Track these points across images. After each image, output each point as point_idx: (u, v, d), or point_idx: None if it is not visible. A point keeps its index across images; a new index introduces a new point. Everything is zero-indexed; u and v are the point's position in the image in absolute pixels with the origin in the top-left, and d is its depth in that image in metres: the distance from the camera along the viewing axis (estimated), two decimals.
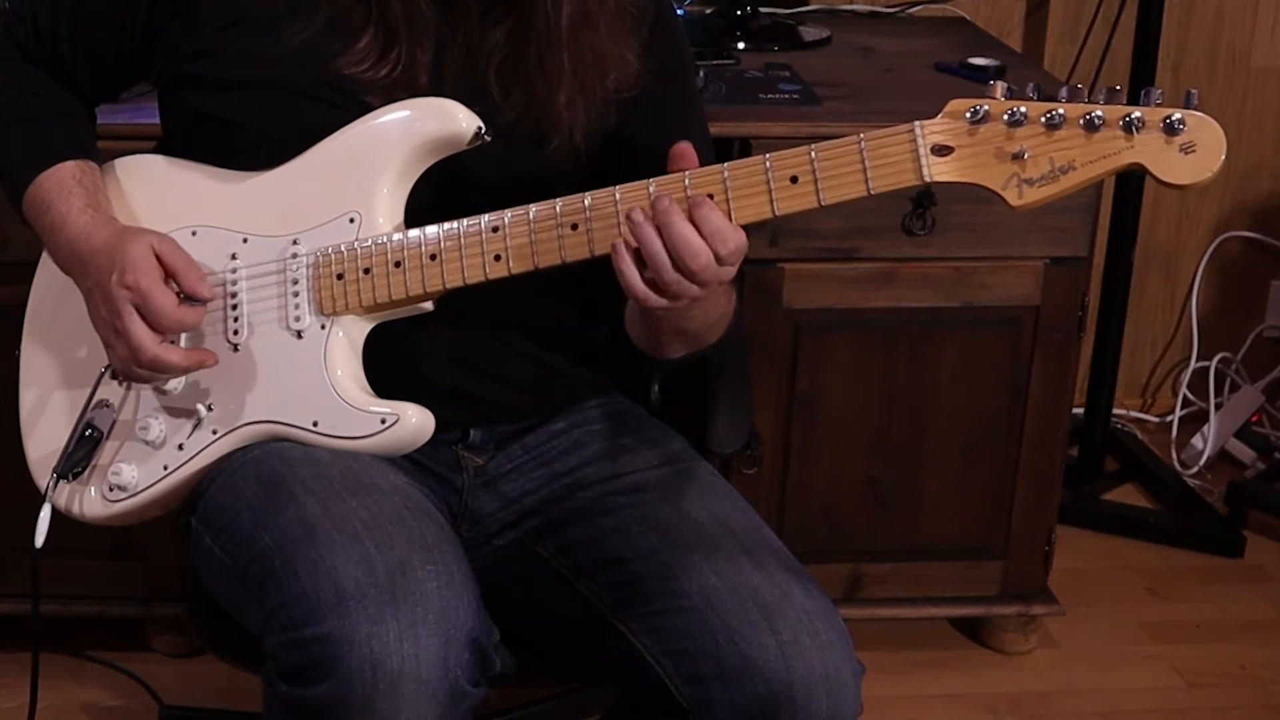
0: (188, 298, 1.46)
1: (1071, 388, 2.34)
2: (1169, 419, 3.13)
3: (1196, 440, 3.06)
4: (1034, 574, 2.41)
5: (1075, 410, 2.65)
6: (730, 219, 1.35)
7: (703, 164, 1.41)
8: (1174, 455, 3.06)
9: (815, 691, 1.39)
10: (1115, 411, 3.00)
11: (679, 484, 1.58)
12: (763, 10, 2.63)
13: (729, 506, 1.55)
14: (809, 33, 2.60)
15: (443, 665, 1.30)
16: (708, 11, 2.61)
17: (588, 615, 1.51)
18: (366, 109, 1.49)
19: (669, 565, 1.47)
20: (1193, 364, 3.13)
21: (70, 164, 1.56)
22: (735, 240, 1.34)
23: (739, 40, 2.51)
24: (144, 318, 1.45)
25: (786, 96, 2.23)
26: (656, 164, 1.41)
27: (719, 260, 1.34)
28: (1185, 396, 3.14)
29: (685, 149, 1.38)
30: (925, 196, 2.16)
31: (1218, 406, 3.11)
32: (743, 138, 2.14)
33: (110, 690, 2.31)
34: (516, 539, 1.61)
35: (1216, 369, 3.13)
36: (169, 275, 1.46)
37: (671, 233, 1.33)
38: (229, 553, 1.45)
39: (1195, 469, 3.04)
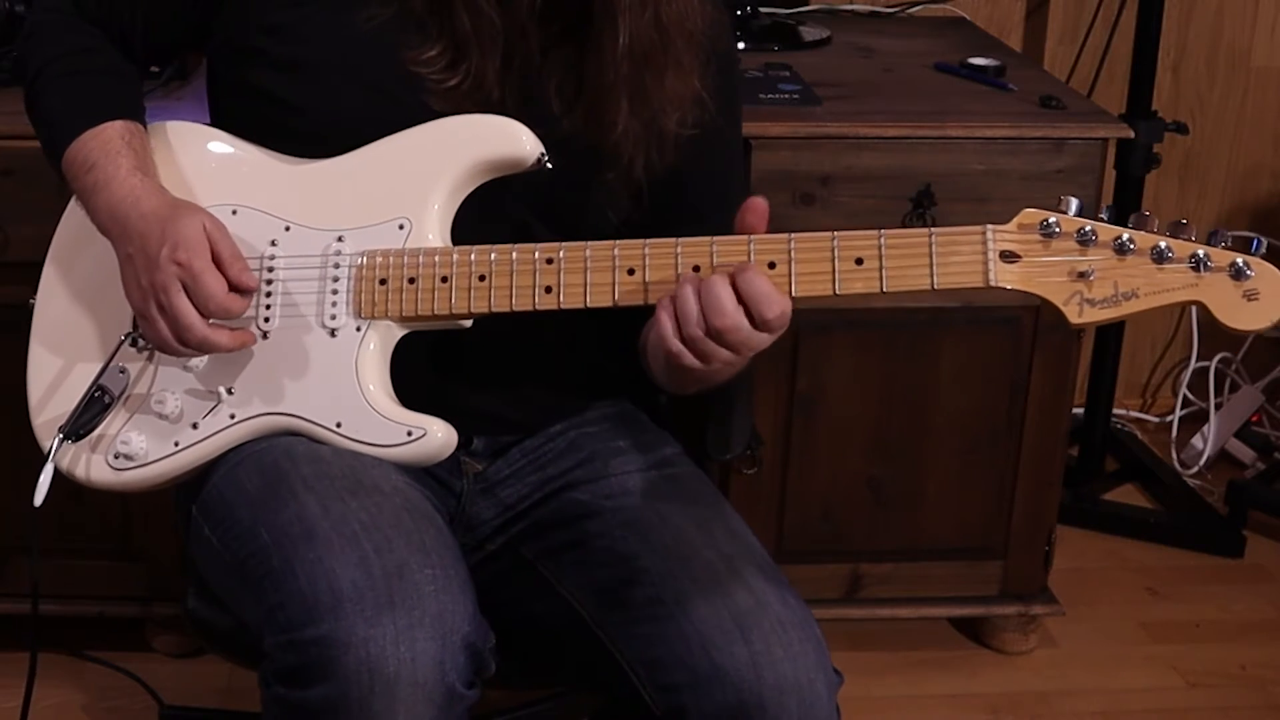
0: (232, 286, 1.44)
1: (1071, 388, 2.34)
2: (1169, 419, 3.13)
3: (1196, 440, 3.06)
4: (1034, 574, 2.41)
5: (1075, 410, 2.65)
6: (790, 290, 1.35)
7: (733, 199, 1.40)
8: (1174, 455, 3.06)
9: (786, 702, 1.37)
10: (1115, 411, 3.00)
11: (665, 488, 1.57)
12: (763, 10, 2.63)
13: (713, 514, 1.54)
14: (809, 33, 2.60)
15: (439, 668, 1.30)
16: None
17: (569, 620, 1.50)
18: (429, 110, 1.47)
19: (648, 571, 1.46)
20: (1193, 364, 3.13)
21: (118, 124, 1.53)
22: (780, 305, 1.33)
23: (739, 40, 2.51)
24: (190, 298, 1.42)
25: (786, 96, 2.23)
26: (699, 200, 1.41)
27: (757, 324, 1.33)
28: (1185, 396, 3.14)
29: (758, 203, 1.37)
30: (925, 196, 2.16)
31: (1218, 406, 3.11)
32: (743, 137, 2.14)
33: (110, 690, 2.31)
34: (505, 542, 1.61)
35: (1216, 369, 3.13)
36: (214, 258, 1.44)
37: (707, 291, 1.33)
38: (227, 545, 1.45)
39: (1195, 469, 3.04)
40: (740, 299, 1.32)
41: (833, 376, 2.27)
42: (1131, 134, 2.29)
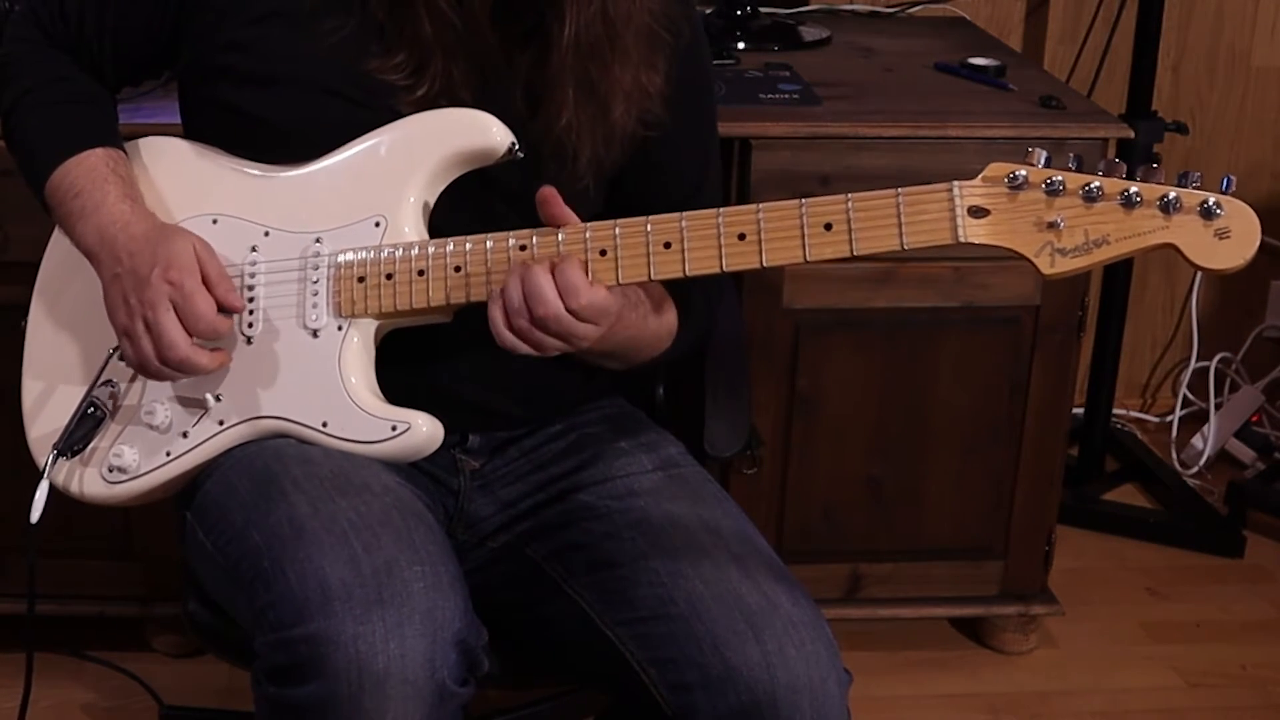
0: (219, 306, 1.46)
1: (1071, 388, 2.34)
2: (1169, 419, 3.13)
3: (1196, 440, 3.06)
4: (1034, 574, 2.41)
5: (1075, 410, 2.65)
6: (760, 261, 1.36)
7: (706, 200, 1.42)
8: (1174, 455, 3.06)
9: (798, 702, 1.38)
10: (1115, 411, 3.00)
11: (672, 489, 1.57)
12: (763, 10, 2.63)
13: (720, 513, 1.55)
14: (809, 33, 2.60)
15: (429, 665, 1.30)
16: (708, 11, 2.61)
17: (577, 620, 1.51)
18: (400, 116, 1.48)
19: (657, 572, 1.47)
20: (1193, 364, 3.13)
21: (100, 151, 1.55)
22: (588, 297, 1.37)
23: (739, 40, 2.51)
24: (179, 317, 1.43)
25: (786, 96, 2.23)
26: (669, 192, 1.43)
27: (569, 312, 1.37)
28: (1185, 396, 3.14)
29: (545, 193, 1.40)
30: None
31: (1218, 406, 3.11)
32: (743, 138, 2.14)
33: (110, 690, 2.31)
34: (509, 541, 1.61)
35: (1216, 369, 3.13)
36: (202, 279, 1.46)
37: (529, 281, 1.37)
38: (220, 549, 1.45)
39: (1195, 469, 3.04)
40: (558, 289, 1.36)
41: (833, 376, 2.27)
42: (1131, 134, 2.29)
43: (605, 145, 1.51)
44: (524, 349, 1.40)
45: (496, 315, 1.39)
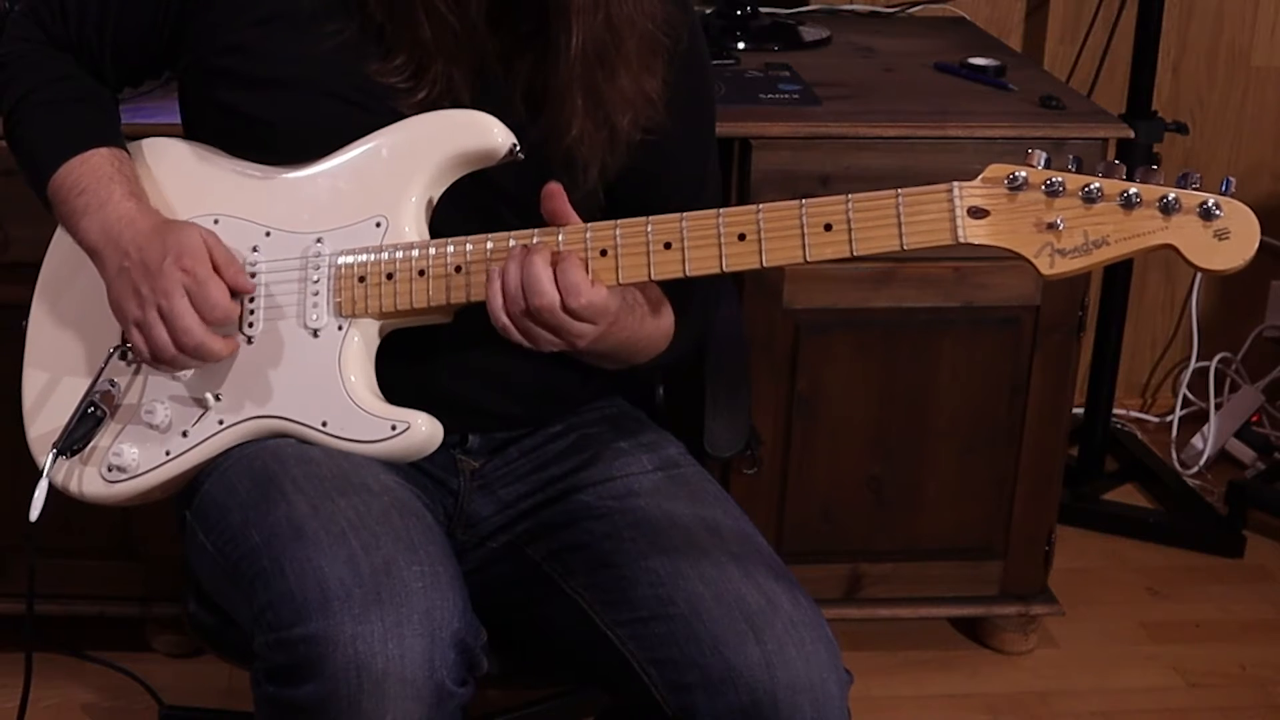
0: (231, 290, 1.46)
1: (1071, 388, 2.34)
2: (1169, 419, 3.13)
3: (1196, 440, 3.06)
4: (1034, 574, 2.41)
5: (1075, 410, 2.65)
6: (760, 261, 1.36)
7: (705, 203, 1.43)
8: (1174, 455, 3.06)
9: (799, 702, 1.38)
10: (1115, 411, 3.00)
11: (672, 489, 1.57)
12: (763, 10, 2.63)
13: (720, 513, 1.55)
14: (809, 33, 2.60)
15: (428, 665, 1.30)
16: (708, 11, 2.61)
17: (577, 620, 1.51)
18: (401, 118, 1.48)
19: (657, 572, 1.47)
20: (1193, 364, 3.13)
21: (104, 151, 1.55)
22: (587, 297, 1.37)
23: (739, 40, 2.52)
24: (193, 304, 1.44)
25: (786, 96, 2.23)
26: (670, 199, 1.43)
27: (567, 311, 1.36)
28: (1185, 396, 3.14)
29: (551, 188, 1.40)
30: None
31: (1218, 406, 3.11)
32: (743, 138, 2.14)
33: (110, 690, 2.31)
34: (509, 541, 1.61)
35: (1216, 369, 3.13)
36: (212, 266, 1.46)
37: (528, 271, 1.37)
38: (220, 549, 1.45)
39: (1195, 469, 3.04)
40: (557, 285, 1.36)
41: (833, 376, 2.27)
42: (1131, 134, 2.30)
43: (612, 152, 1.51)
44: (517, 336, 1.40)
45: (495, 295, 1.39)
